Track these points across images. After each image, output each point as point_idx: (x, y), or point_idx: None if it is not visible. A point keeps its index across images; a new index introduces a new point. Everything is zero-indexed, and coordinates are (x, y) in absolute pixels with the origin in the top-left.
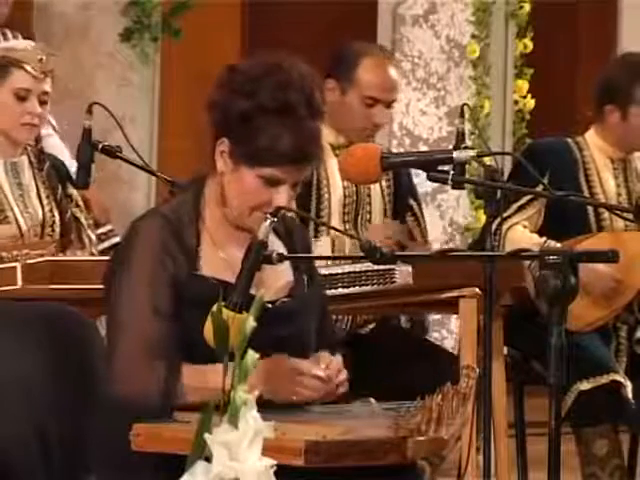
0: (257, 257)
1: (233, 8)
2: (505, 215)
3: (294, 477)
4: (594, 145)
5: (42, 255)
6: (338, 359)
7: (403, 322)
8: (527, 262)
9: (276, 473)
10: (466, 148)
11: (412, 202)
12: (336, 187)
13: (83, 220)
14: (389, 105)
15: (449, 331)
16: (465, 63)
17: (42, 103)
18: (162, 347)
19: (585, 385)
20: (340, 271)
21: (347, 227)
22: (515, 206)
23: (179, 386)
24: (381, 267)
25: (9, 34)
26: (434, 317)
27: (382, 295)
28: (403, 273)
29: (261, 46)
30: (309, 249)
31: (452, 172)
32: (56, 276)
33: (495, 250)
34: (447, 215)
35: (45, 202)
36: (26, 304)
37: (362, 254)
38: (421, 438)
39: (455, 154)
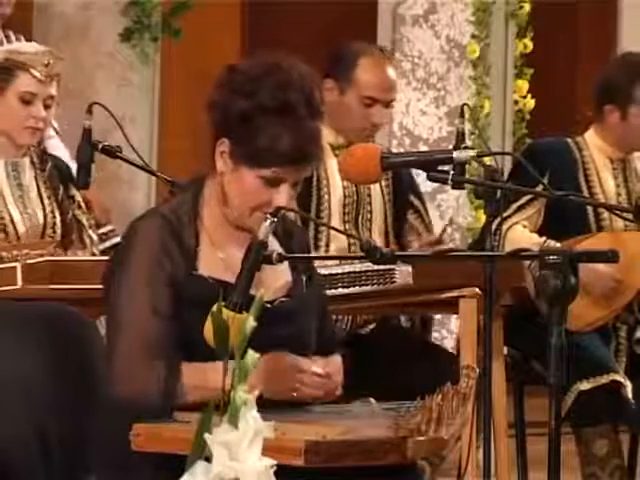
0: (257, 257)
1: (233, 8)
2: (505, 215)
3: (294, 477)
4: (594, 145)
5: (42, 255)
6: (337, 360)
7: (403, 322)
8: (527, 262)
9: (276, 473)
10: (466, 148)
11: (413, 199)
12: (336, 187)
13: (85, 221)
14: (388, 105)
15: (449, 331)
16: (465, 63)
17: (46, 107)
18: (161, 347)
19: (585, 385)
20: (340, 271)
21: (347, 227)
22: (515, 206)
23: (179, 386)
24: (381, 267)
25: (12, 36)
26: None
27: (382, 295)
28: (403, 273)
29: (261, 46)
30: (308, 250)
31: (452, 172)
32: (56, 276)
33: (495, 250)
34: (447, 215)
35: (46, 203)
36: (26, 304)
37: (362, 254)
38: (421, 438)
39: (455, 154)
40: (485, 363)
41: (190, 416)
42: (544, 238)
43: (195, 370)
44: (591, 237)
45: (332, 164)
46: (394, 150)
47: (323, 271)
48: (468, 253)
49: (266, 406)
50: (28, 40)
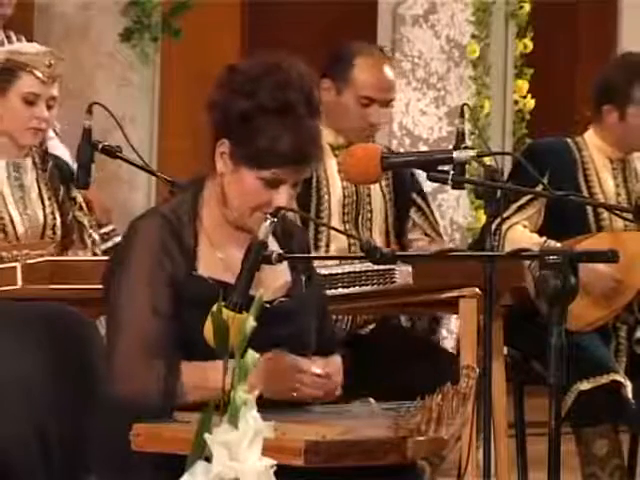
0: (257, 257)
1: (233, 8)
2: (505, 215)
3: (294, 477)
4: (593, 145)
5: (42, 255)
6: (337, 360)
7: (403, 322)
8: (527, 262)
9: (276, 473)
10: (466, 148)
11: (416, 197)
12: (336, 187)
13: (86, 222)
14: (386, 105)
15: (449, 331)
16: (465, 63)
17: (49, 108)
18: (161, 346)
19: (585, 385)
20: (340, 271)
21: (347, 227)
22: (515, 206)
23: (179, 385)
24: (381, 267)
25: (13, 37)
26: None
27: (382, 295)
28: (403, 273)
29: (261, 46)
30: (307, 250)
31: (452, 172)
32: (56, 276)
33: (495, 250)
34: (447, 215)
35: (47, 204)
36: (26, 304)
37: (362, 254)
38: (421, 438)
39: (455, 154)
40: (485, 363)
41: (190, 416)
42: (544, 238)
43: (195, 370)
44: (591, 237)
45: (332, 164)
46: (394, 150)
47: (323, 271)
48: (468, 253)
49: (266, 406)
50: (29, 41)
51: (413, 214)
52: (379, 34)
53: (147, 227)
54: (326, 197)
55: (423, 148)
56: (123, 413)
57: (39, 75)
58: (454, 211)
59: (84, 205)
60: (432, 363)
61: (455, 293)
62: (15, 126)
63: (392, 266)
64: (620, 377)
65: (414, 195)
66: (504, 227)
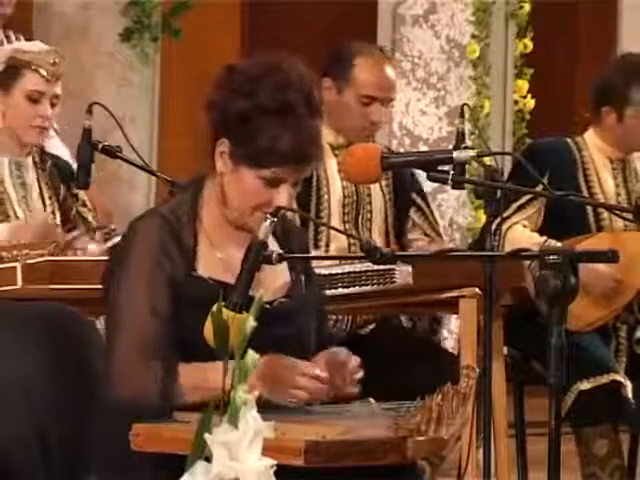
0: (257, 257)
1: (233, 8)
2: (505, 215)
3: (294, 477)
4: (593, 145)
5: (42, 255)
6: (343, 351)
7: (404, 322)
8: (527, 262)
9: (276, 473)
10: (466, 148)
11: (415, 197)
12: (335, 187)
13: (90, 218)
14: (386, 104)
15: (449, 331)
16: (465, 63)
17: (52, 106)
18: (159, 347)
19: (585, 385)
20: (340, 271)
21: (347, 227)
22: (515, 206)
23: (176, 386)
24: (381, 267)
25: (12, 36)
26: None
27: (382, 295)
28: (403, 273)
29: (261, 46)
30: (307, 250)
31: (452, 172)
32: (56, 276)
33: (495, 250)
34: (447, 215)
35: (47, 203)
36: (26, 304)
37: (362, 254)
38: (421, 438)
39: (455, 154)
40: (485, 363)
41: (190, 416)
42: (544, 238)
43: (195, 370)
44: (591, 237)
45: (332, 164)
46: (394, 150)
47: (323, 271)
48: (468, 253)
49: (266, 406)
50: (28, 40)
51: (413, 214)
52: (379, 34)
53: (146, 228)
54: (326, 197)
55: (423, 148)
56: (122, 413)
57: (43, 73)
58: (454, 211)
59: (87, 201)
60: (432, 363)
61: (455, 293)
62: (19, 124)
63: (392, 266)
64: (620, 377)
65: (414, 195)
66: (504, 227)
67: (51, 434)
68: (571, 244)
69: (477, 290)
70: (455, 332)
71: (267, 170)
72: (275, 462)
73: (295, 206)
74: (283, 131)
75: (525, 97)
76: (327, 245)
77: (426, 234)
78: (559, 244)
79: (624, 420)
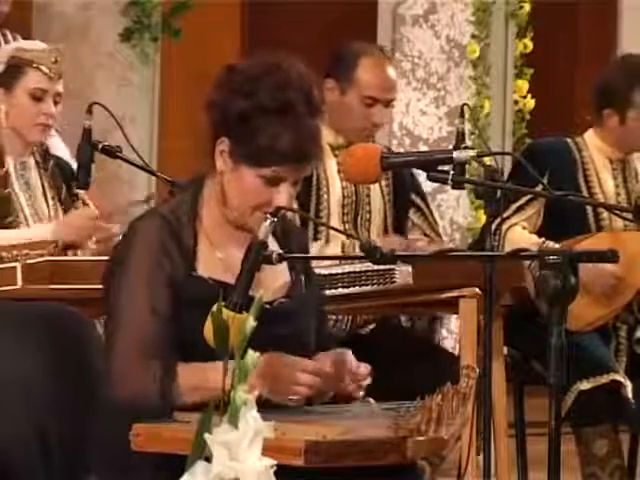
0: (257, 257)
1: (233, 8)
2: (504, 216)
3: (294, 477)
4: (593, 145)
5: (42, 255)
6: (349, 354)
7: (403, 322)
8: (527, 262)
9: (276, 473)
10: (466, 148)
11: (415, 197)
12: (335, 187)
13: None
14: (388, 105)
15: (449, 331)
16: (465, 63)
17: (55, 104)
18: (159, 347)
19: (585, 385)
20: (340, 271)
21: (346, 227)
22: (514, 206)
23: (175, 386)
24: (381, 267)
25: (9, 35)
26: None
27: (382, 295)
28: (403, 273)
29: (261, 46)
30: (306, 251)
31: (452, 172)
32: (56, 276)
33: (495, 250)
34: (447, 215)
35: (50, 203)
36: (26, 304)
37: (362, 254)
38: (421, 438)
39: (455, 154)
40: (485, 363)
41: (190, 416)
42: (543, 239)
43: (195, 371)
44: (591, 237)
45: (332, 164)
46: (394, 150)
47: (323, 271)
48: (468, 253)
49: (266, 406)
50: (25, 39)
51: (412, 215)
52: (379, 34)
53: (146, 228)
54: (325, 197)
55: (423, 148)
56: (122, 413)
57: (46, 71)
58: (454, 211)
59: (89, 201)
60: (432, 363)
61: (455, 293)
62: (22, 122)
63: (392, 266)
64: (620, 377)
65: (413, 196)
66: (504, 228)
67: (51, 434)
68: (571, 244)
69: (477, 290)
70: (455, 332)
71: (267, 169)
72: (275, 462)
73: (296, 206)
74: (283, 130)
75: (525, 97)
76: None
77: (425, 234)
78: (557, 246)
79: (624, 420)
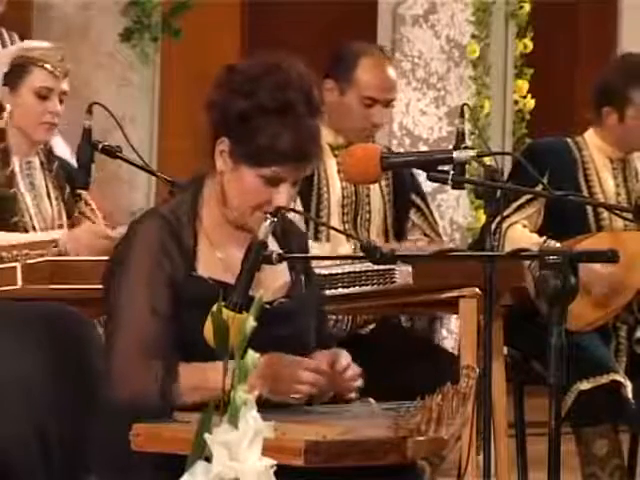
0: (257, 257)
1: (233, 8)
2: (505, 214)
3: (294, 477)
4: (593, 145)
5: (42, 255)
6: (346, 354)
7: (403, 322)
8: (527, 262)
9: (276, 473)
10: (466, 148)
11: (415, 198)
12: (335, 187)
13: (93, 218)
14: (388, 105)
15: (449, 331)
16: (465, 63)
17: (60, 102)
18: (159, 347)
19: (585, 385)
20: (340, 271)
21: (346, 227)
22: (514, 205)
23: (175, 386)
24: (381, 267)
25: (5, 34)
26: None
27: (382, 295)
28: (403, 273)
29: (261, 46)
30: (306, 251)
31: (452, 172)
32: (56, 276)
33: (495, 250)
34: (447, 215)
35: (54, 203)
36: (26, 304)
37: (362, 254)
38: (421, 438)
39: (455, 154)
40: (485, 363)
41: (190, 416)
42: (544, 238)
43: (195, 370)
44: (591, 237)
45: (332, 164)
46: (394, 150)
47: (323, 271)
48: (468, 253)
49: (266, 406)
50: (21, 38)
51: (412, 215)
52: (379, 34)
53: (146, 228)
54: (325, 197)
55: (423, 148)
56: (122, 414)
57: (51, 69)
58: (454, 211)
59: (91, 202)
60: (432, 363)
61: (455, 293)
62: (28, 122)
63: (392, 266)
64: (620, 377)
65: (413, 196)
66: (504, 226)
67: (51, 434)
68: (571, 244)
69: (477, 290)
70: (455, 332)
71: (267, 169)
72: (275, 462)
73: (296, 206)
74: (283, 130)
75: (525, 97)
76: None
77: (425, 234)
78: (558, 245)
79: (624, 420)
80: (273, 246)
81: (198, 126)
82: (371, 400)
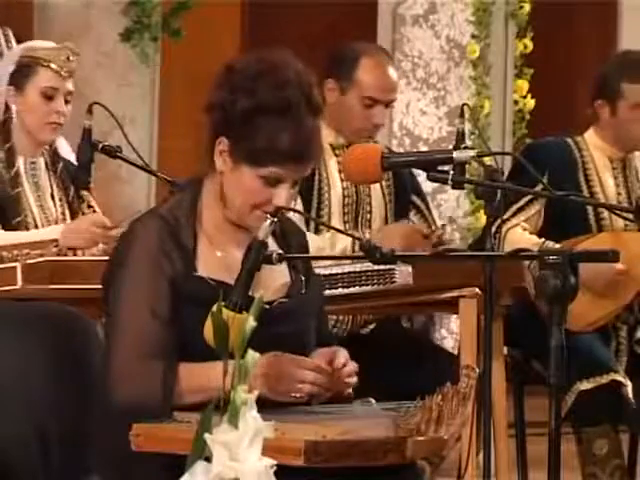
0: (257, 257)
1: (233, 8)
2: (505, 217)
3: (294, 477)
4: (593, 145)
5: (42, 255)
6: (344, 352)
7: (403, 322)
8: (527, 262)
9: (276, 473)
10: (466, 148)
11: (415, 198)
12: (336, 187)
13: None
14: (388, 105)
15: (449, 331)
16: (465, 63)
17: (66, 102)
18: (159, 348)
19: (585, 385)
20: (340, 271)
21: (347, 227)
22: (514, 208)
23: (176, 386)
24: (381, 267)
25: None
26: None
27: (382, 295)
28: (403, 273)
29: (261, 46)
30: (306, 251)
31: (452, 172)
32: (56, 276)
33: (495, 250)
34: (447, 215)
35: (58, 204)
36: (26, 304)
37: (362, 254)
38: (421, 438)
39: (455, 154)
40: (485, 363)
41: (190, 416)
42: (542, 239)
43: (195, 370)
44: (592, 237)
45: (333, 164)
46: (394, 150)
47: (323, 271)
48: (468, 253)
49: (266, 406)
50: (15, 35)
51: (412, 217)
52: (379, 34)
53: (145, 228)
54: (326, 196)
55: (423, 148)
56: (122, 414)
57: (57, 69)
58: (454, 211)
59: (93, 203)
60: (432, 363)
61: (455, 293)
62: (34, 122)
63: (392, 266)
64: (620, 377)
65: (414, 197)
66: (504, 229)
67: (51, 434)
68: (572, 244)
69: (477, 290)
70: (455, 332)
71: (266, 169)
72: (275, 462)
73: (296, 206)
74: (282, 130)
75: (525, 97)
76: None
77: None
78: (557, 246)
79: (624, 420)
80: (273, 246)
81: (198, 126)
82: (371, 400)
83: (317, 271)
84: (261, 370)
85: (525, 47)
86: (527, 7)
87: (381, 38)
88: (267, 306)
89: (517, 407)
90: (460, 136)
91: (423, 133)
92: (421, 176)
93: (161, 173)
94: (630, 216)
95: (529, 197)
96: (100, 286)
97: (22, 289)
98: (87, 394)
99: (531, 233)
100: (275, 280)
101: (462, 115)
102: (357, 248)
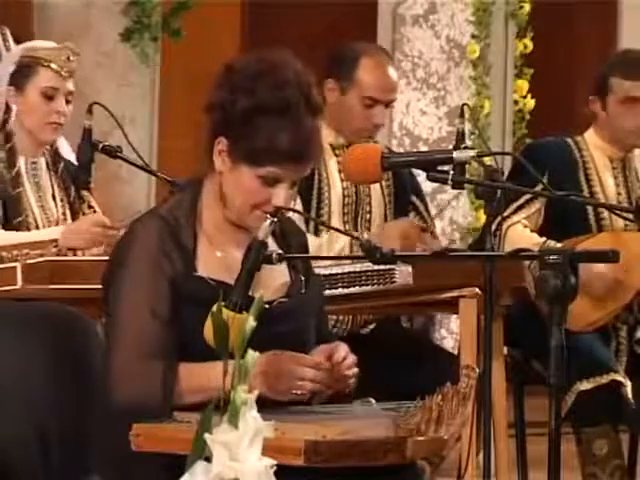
0: (257, 257)
1: (233, 8)
2: (505, 214)
3: (294, 477)
4: (593, 145)
5: (42, 255)
6: (344, 346)
7: (403, 322)
8: (527, 262)
9: (276, 473)
10: (466, 148)
11: (414, 199)
12: (336, 187)
13: None
14: (388, 105)
15: (449, 331)
16: (465, 63)
17: (66, 102)
18: (159, 348)
19: (585, 385)
20: (340, 271)
21: (347, 227)
22: (515, 205)
23: (176, 386)
24: (381, 267)
25: None
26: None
27: (382, 295)
28: (403, 273)
29: (261, 46)
30: (305, 250)
31: (452, 172)
32: (56, 276)
33: (495, 250)
34: (447, 215)
35: (59, 204)
36: (26, 304)
37: (362, 254)
38: (421, 438)
39: (455, 154)
40: (485, 363)
41: (190, 416)
42: (544, 238)
43: (195, 370)
44: (592, 237)
45: (333, 164)
46: (394, 150)
47: (323, 271)
48: (468, 253)
49: (266, 406)
50: (15, 35)
51: (411, 217)
52: (379, 34)
53: (145, 229)
54: (326, 196)
55: (423, 148)
56: (122, 414)
57: (57, 69)
58: (454, 211)
59: (94, 203)
60: (432, 363)
61: (455, 293)
62: (35, 122)
63: (392, 266)
64: (620, 377)
65: (413, 197)
66: (504, 226)
67: (51, 434)
68: (572, 244)
69: (477, 290)
70: (455, 332)
71: (265, 169)
72: (275, 462)
73: (298, 205)
74: (281, 130)
75: (525, 97)
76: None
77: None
78: (559, 245)
79: (624, 420)
80: (273, 246)
81: (198, 126)
82: (371, 400)
83: (317, 271)
84: (260, 368)
85: (525, 47)
86: (527, 7)
87: (381, 38)
88: (267, 306)
89: (517, 407)
90: (460, 136)
91: (423, 133)
92: (421, 176)
93: (161, 173)
94: (630, 216)
95: (529, 196)
96: (100, 286)
97: (22, 289)
98: (87, 394)
99: (532, 231)
100: (275, 280)
101: (462, 115)
102: (356, 248)
